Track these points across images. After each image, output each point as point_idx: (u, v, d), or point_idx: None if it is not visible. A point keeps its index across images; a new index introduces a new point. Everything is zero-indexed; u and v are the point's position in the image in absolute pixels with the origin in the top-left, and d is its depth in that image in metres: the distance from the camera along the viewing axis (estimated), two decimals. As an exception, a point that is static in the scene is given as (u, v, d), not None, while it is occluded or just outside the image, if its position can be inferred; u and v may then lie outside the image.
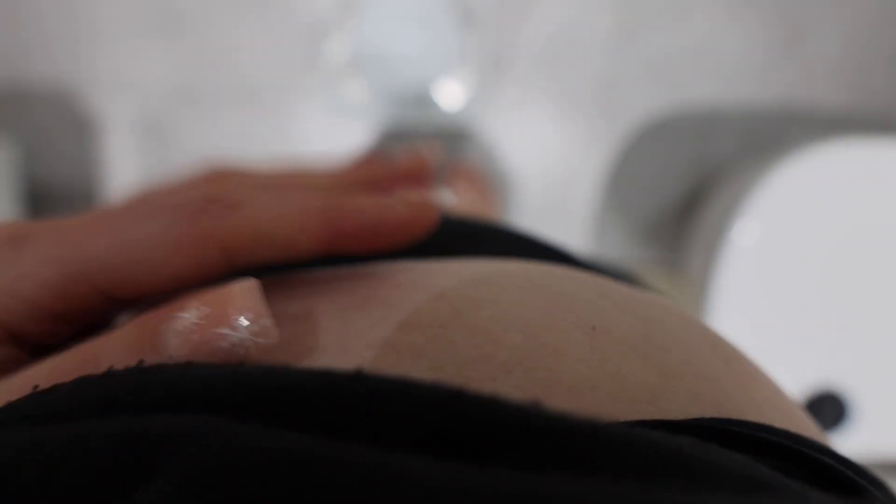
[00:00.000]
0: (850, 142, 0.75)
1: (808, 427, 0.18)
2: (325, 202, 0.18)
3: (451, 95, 1.11)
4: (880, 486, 0.16)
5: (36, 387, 0.14)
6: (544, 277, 0.19)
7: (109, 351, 0.15)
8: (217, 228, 0.16)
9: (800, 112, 1.12)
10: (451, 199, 1.09)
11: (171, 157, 1.14)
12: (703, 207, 1.04)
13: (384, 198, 0.18)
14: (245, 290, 0.15)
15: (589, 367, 0.16)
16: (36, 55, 1.11)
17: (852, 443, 0.76)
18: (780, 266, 0.75)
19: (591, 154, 1.13)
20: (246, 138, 1.13)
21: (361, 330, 0.16)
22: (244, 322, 0.14)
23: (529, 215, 1.16)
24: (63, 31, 1.10)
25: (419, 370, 0.15)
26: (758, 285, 0.75)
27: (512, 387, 0.15)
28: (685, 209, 1.14)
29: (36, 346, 0.18)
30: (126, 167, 1.14)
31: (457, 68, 1.10)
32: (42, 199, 1.15)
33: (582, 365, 0.16)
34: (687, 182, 1.14)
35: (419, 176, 0.20)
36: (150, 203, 0.17)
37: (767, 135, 1.12)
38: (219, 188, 0.18)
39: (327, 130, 1.13)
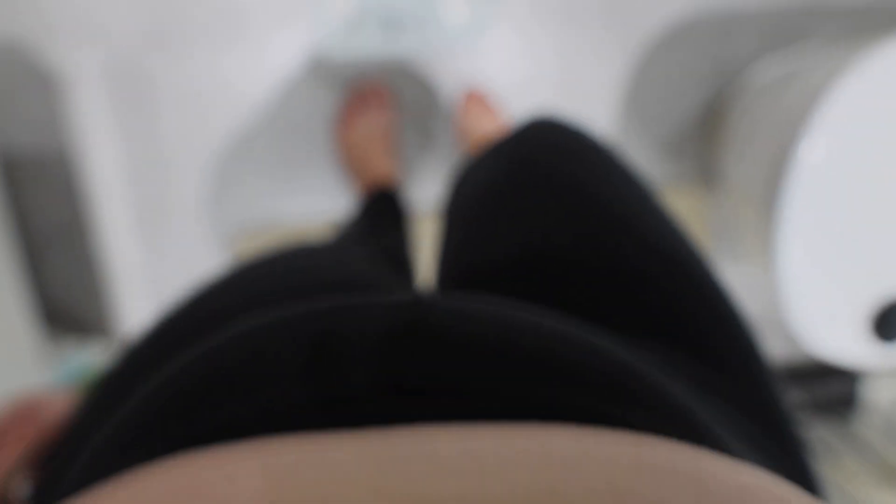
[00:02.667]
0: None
1: None
2: None
3: (452, 12, 1.01)
4: None
5: None
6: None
7: None
8: None
9: (819, 4, 1.06)
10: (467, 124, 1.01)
11: (145, 107, 1.03)
12: (736, 117, 0.99)
13: None
14: None
15: None
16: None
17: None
18: (849, 178, 0.71)
19: (604, 68, 1.06)
20: (224, 76, 1.02)
21: None
22: None
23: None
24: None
25: None
26: (827, 198, 0.71)
27: None
28: (712, 119, 1.08)
29: None
30: (97, 122, 1.03)
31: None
32: (12, 166, 1.05)
33: None
34: (709, 89, 1.08)
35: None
36: None
37: (789, 31, 1.06)
38: None
39: (310, 64, 1.03)
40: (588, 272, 0.36)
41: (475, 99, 1.03)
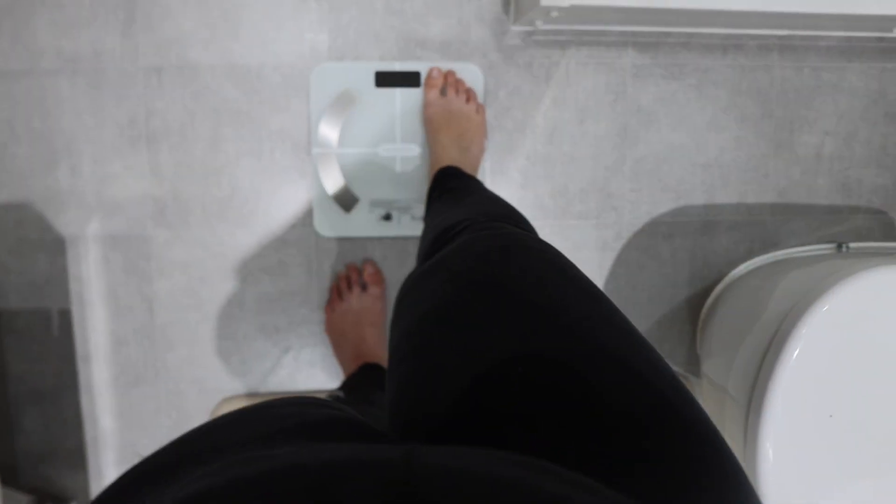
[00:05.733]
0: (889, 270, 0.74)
1: None
2: None
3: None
4: None
5: None
6: None
7: None
8: None
9: (795, 206, 1.12)
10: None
11: (140, 274, 1.05)
12: (711, 313, 1.01)
13: None
14: None
15: None
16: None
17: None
18: (829, 390, 0.72)
19: (588, 265, 1.10)
20: (224, 248, 1.06)
21: None
22: None
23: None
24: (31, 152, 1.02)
25: None
26: (808, 407, 0.71)
27: None
28: (693, 311, 1.11)
29: None
30: (95, 286, 1.05)
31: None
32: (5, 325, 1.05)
33: None
34: (691, 285, 1.11)
35: None
36: None
37: (767, 230, 1.12)
38: None
39: (307, 233, 1.07)
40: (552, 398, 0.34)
41: (446, 78, 1.03)
